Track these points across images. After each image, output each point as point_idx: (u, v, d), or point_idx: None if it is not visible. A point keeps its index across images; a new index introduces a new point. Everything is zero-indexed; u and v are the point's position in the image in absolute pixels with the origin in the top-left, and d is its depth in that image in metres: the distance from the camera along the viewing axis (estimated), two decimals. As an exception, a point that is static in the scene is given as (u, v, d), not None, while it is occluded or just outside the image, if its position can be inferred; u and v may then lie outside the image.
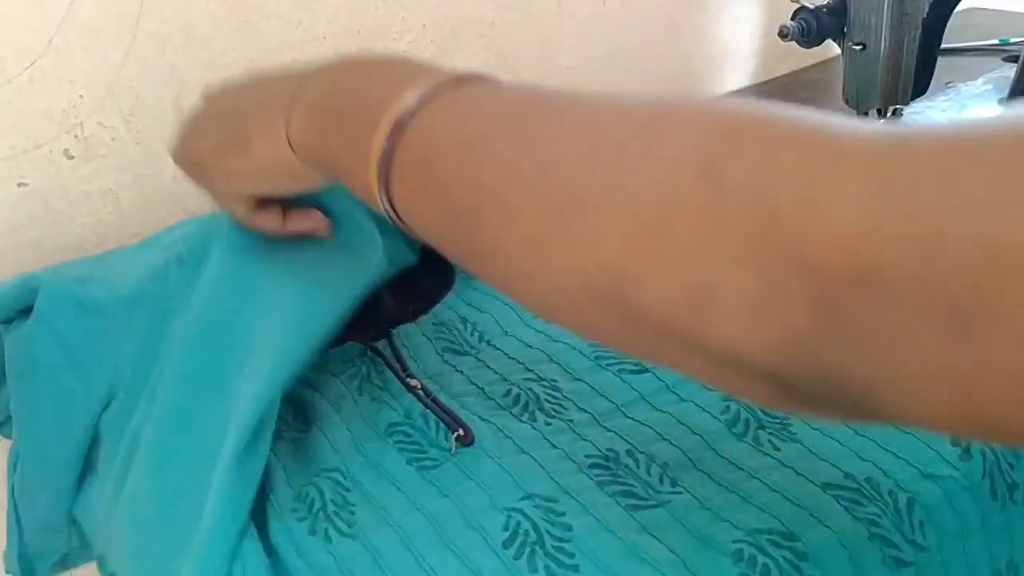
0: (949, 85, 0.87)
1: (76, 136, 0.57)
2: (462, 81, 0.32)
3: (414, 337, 0.52)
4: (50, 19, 0.54)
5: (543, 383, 0.45)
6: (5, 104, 0.54)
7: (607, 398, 0.43)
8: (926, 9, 0.57)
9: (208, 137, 0.41)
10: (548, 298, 0.27)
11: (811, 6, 0.61)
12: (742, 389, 0.24)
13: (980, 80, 0.87)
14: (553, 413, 0.43)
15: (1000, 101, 0.80)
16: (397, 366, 0.49)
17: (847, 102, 0.63)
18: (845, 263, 0.20)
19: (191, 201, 0.63)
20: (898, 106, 0.62)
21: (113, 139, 0.58)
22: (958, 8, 0.58)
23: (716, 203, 0.22)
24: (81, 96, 0.56)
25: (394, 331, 0.52)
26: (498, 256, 0.28)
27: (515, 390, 0.45)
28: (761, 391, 0.23)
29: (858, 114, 0.64)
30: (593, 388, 0.43)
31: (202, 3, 0.59)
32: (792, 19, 0.62)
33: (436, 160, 0.29)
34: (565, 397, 0.43)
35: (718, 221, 0.22)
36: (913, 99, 0.61)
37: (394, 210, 0.32)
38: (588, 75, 0.83)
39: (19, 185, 0.56)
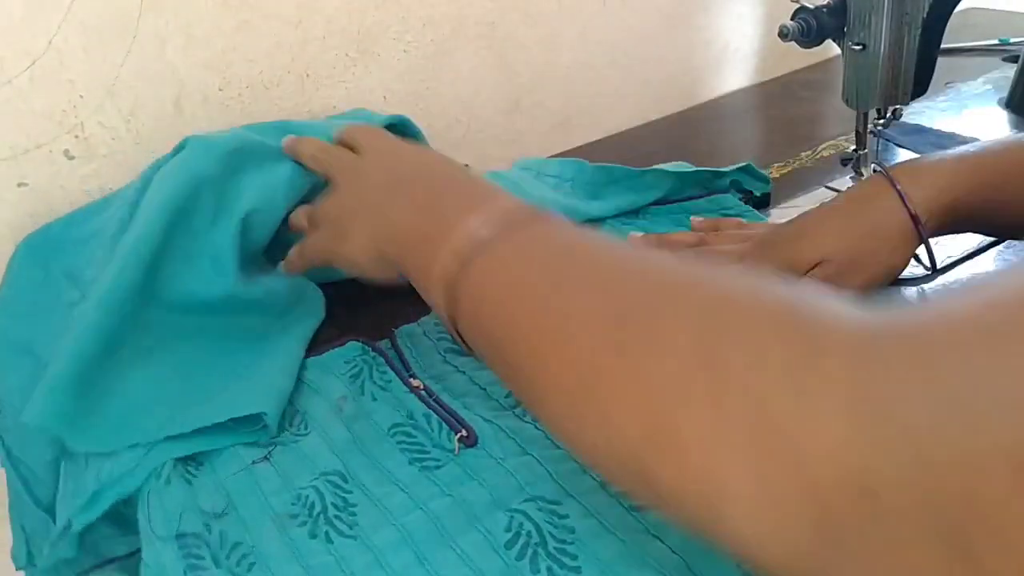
0: (949, 85, 0.87)
1: (76, 136, 0.57)
2: (517, 227, 0.35)
3: (416, 337, 0.52)
4: (50, 19, 0.54)
5: None
6: (5, 104, 0.54)
7: None
8: (926, 9, 0.57)
9: (328, 217, 0.49)
10: (586, 453, 0.28)
11: (811, 6, 0.61)
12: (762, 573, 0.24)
13: (980, 80, 0.88)
14: None
15: (1000, 101, 0.81)
16: (400, 366, 0.49)
17: (847, 102, 0.63)
18: (839, 478, 0.19)
19: (191, 201, 0.63)
20: (898, 106, 0.62)
21: (113, 139, 0.58)
22: (958, 8, 0.58)
23: (717, 398, 0.23)
24: (81, 96, 0.56)
25: (396, 331, 0.53)
26: (542, 406, 0.30)
27: None
28: None
29: (858, 113, 0.64)
30: None
31: (202, 3, 0.59)
32: (792, 19, 0.61)
33: (487, 308, 0.33)
34: None
35: (719, 417, 0.22)
36: (913, 99, 0.61)
37: (456, 330, 0.36)
38: (588, 75, 0.83)
39: (19, 185, 0.56)
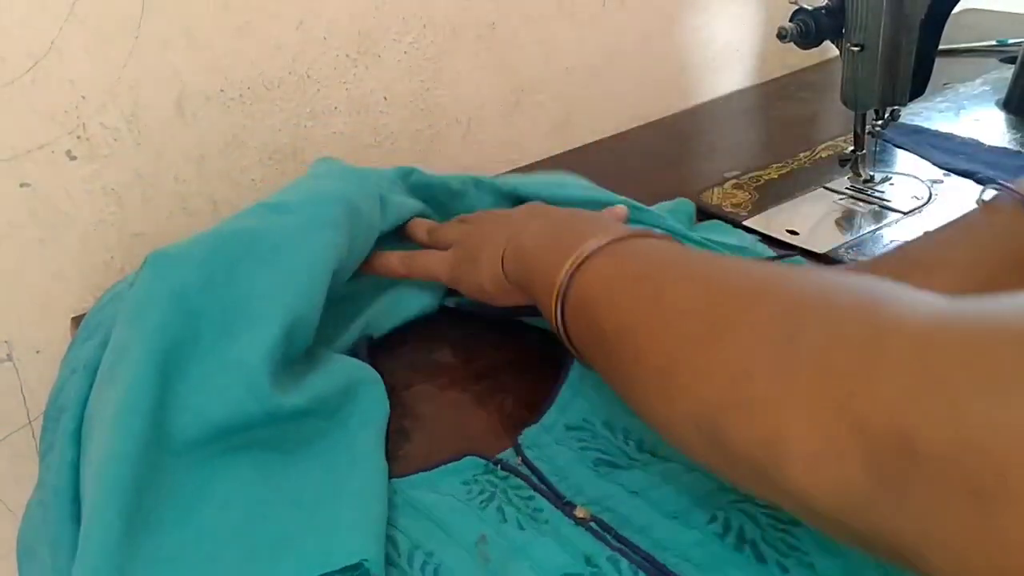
0: (947, 86, 0.87)
1: (78, 137, 0.57)
2: (623, 239, 0.38)
3: (548, 447, 0.41)
4: (52, 20, 0.54)
5: (760, 506, 0.35)
6: (7, 105, 0.54)
7: None
8: (924, 10, 0.57)
9: (458, 242, 0.53)
10: (671, 427, 0.31)
11: (809, 7, 0.61)
12: (825, 531, 0.26)
13: (978, 81, 0.88)
14: (787, 551, 0.32)
15: (997, 102, 0.81)
16: (544, 487, 0.38)
17: (845, 103, 0.63)
18: (888, 428, 0.22)
19: (192, 201, 0.64)
20: (896, 107, 0.62)
21: (115, 139, 0.59)
22: (956, 9, 0.58)
23: (787, 362, 0.26)
24: (83, 97, 0.56)
25: (520, 438, 0.42)
26: (634, 383, 0.33)
27: (722, 515, 0.34)
28: (841, 537, 0.25)
29: (856, 114, 0.64)
30: None
31: (203, 4, 0.59)
32: (790, 20, 0.62)
33: (592, 299, 0.36)
34: (796, 529, 0.34)
35: (788, 377, 0.25)
36: (911, 100, 0.61)
37: (567, 334, 0.39)
38: (587, 76, 0.84)
39: (22, 186, 0.56)
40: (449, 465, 0.40)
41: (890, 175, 0.68)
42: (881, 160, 0.71)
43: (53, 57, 0.54)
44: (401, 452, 0.43)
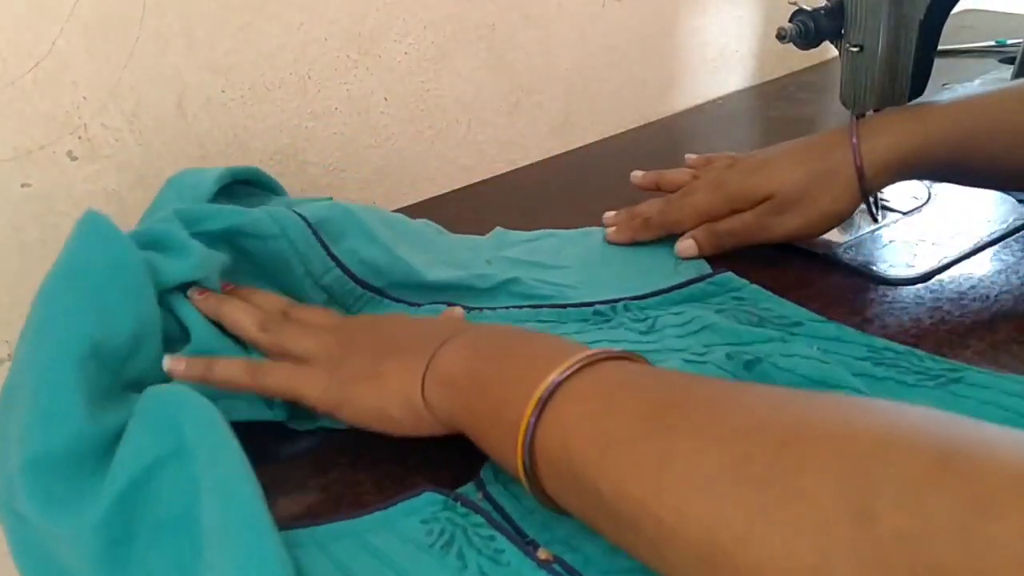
0: (946, 86, 0.87)
1: (79, 137, 0.57)
2: (590, 364, 0.33)
3: (510, 482, 0.39)
4: (53, 21, 0.54)
5: None
6: (8, 105, 0.54)
7: None
8: (923, 11, 0.57)
9: (336, 373, 0.41)
10: None
11: (808, 8, 0.61)
12: None
13: (976, 81, 0.88)
14: None
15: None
16: (508, 527, 0.37)
17: (844, 103, 0.63)
18: None
19: (193, 202, 0.64)
20: (895, 107, 0.63)
21: (116, 140, 0.59)
22: (955, 10, 0.59)
23: (876, 555, 0.22)
24: (84, 97, 0.56)
25: (483, 473, 0.40)
26: (662, 563, 0.28)
27: None
28: None
29: (854, 115, 0.64)
30: None
31: (204, 5, 0.59)
32: (790, 21, 0.62)
33: (577, 453, 0.30)
34: None
35: (881, 573, 0.21)
36: (910, 100, 0.61)
37: (540, 486, 0.33)
38: (587, 76, 0.84)
39: (23, 186, 0.56)
40: (406, 502, 0.38)
41: (889, 175, 0.68)
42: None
43: (54, 57, 0.55)
44: (354, 488, 0.41)
